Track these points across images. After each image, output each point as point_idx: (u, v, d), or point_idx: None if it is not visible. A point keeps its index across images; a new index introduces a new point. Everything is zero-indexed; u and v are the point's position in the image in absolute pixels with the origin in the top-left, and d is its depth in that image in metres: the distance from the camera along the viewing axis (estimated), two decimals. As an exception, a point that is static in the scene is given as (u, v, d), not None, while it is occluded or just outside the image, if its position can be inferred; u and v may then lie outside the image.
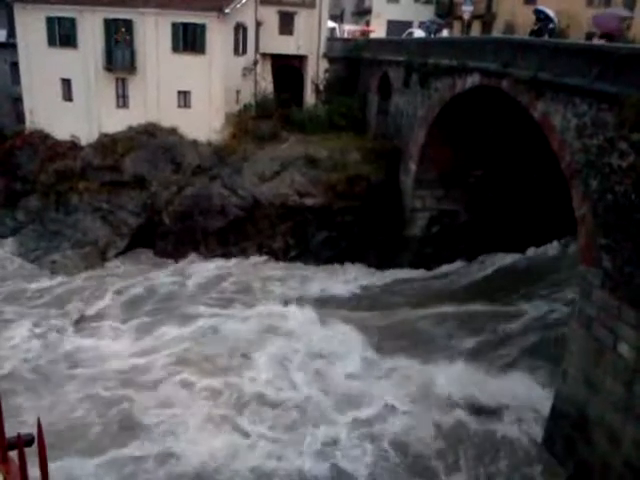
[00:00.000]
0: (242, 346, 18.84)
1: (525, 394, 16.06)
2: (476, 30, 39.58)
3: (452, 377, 16.86)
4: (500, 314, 20.60)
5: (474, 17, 38.25)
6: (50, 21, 28.90)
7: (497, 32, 36.29)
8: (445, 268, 25.08)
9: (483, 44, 20.86)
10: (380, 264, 25.59)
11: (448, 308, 21.29)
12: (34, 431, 2.15)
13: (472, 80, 20.89)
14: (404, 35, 36.26)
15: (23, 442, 2.06)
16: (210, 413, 15.41)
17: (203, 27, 29.29)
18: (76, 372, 17.47)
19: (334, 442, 14.56)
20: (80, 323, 20.64)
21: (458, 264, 25.27)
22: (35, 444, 1.97)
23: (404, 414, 15.63)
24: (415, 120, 25.58)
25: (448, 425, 15.22)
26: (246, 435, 14.74)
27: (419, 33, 33.46)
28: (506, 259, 25.08)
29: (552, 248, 25.59)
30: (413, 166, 25.56)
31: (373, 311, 21.54)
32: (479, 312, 20.92)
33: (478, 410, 15.75)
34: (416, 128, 25.41)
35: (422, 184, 25.44)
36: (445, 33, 33.21)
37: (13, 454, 1.82)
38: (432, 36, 29.70)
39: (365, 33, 37.12)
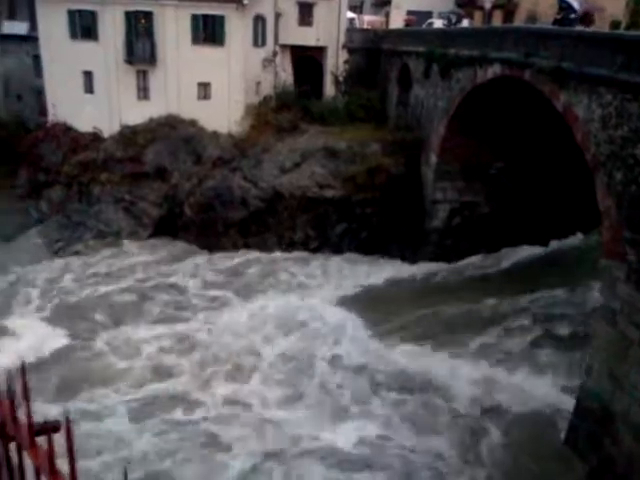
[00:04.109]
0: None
1: (546, 390, 15.91)
2: (497, 20, 39.06)
3: (472, 372, 16.76)
4: (522, 307, 20.38)
5: (495, 7, 37.73)
6: (71, 14, 29.12)
7: (519, 22, 35.77)
8: (466, 261, 24.85)
9: (504, 34, 20.61)
10: (400, 256, 25.50)
11: (468, 301, 21.12)
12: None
13: (493, 70, 20.65)
14: (424, 25, 35.91)
15: (51, 428, 2.09)
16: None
17: (222, 19, 29.35)
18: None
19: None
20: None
21: (479, 257, 25.02)
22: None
23: (419, 410, 15.56)
24: (436, 111, 25.37)
25: (468, 420, 15.14)
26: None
27: (439, 23, 33.13)
28: (528, 252, 24.75)
29: (575, 241, 25.21)
30: (434, 158, 25.38)
31: (395, 304, 21.43)
32: (500, 305, 20.72)
33: (497, 406, 15.63)
34: (437, 119, 25.22)
35: (443, 176, 25.25)
36: (466, 23, 32.77)
37: (40, 440, 1.83)
38: (452, 26, 29.36)
39: (410, 23, 36.14)
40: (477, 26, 35.68)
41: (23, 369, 1.73)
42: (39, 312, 20.66)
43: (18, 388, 1.84)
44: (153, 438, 14.32)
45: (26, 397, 1.71)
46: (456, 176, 25.32)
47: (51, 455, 1.65)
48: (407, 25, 35.92)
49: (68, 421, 1.58)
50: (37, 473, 1.71)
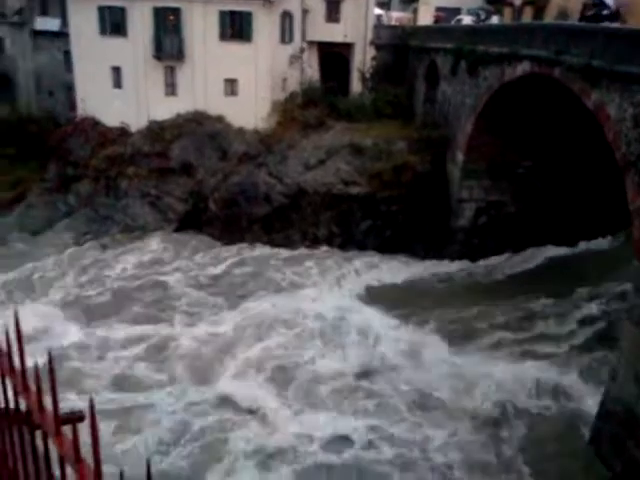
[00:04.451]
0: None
1: (571, 392, 15.69)
2: (527, 17, 38.47)
3: (497, 371, 16.61)
4: (548, 309, 20.13)
5: (525, 3, 37.18)
6: (101, 10, 29.47)
7: (549, 18, 35.21)
8: (492, 260, 24.62)
9: (534, 31, 20.31)
10: (425, 254, 25.35)
11: (495, 301, 20.93)
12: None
13: (522, 68, 20.39)
14: (452, 22, 35.58)
15: (76, 418, 2.11)
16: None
17: (250, 15, 29.43)
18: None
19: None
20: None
21: (505, 256, 24.76)
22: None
23: (448, 408, 15.47)
24: (463, 109, 25.13)
25: (491, 420, 15.01)
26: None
27: (468, 20, 32.78)
28: (555, 252, 24.41)
29: (604, 242, 24.74)
30: (460, 156, 25.16)
31: (420, 302, 21.31)
32: (526, 306, 20.50)
33: (523, 407, 15.46)
34: (464, 117, 24.98)
35: (470, 174, 25.01)
36: (495, 20, 32.39)
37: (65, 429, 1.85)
38: (481, 23, 29.04)
39: (439, 19, 35.73)
40: (506, 23, 35.24)
41: (50, 358, 1.74)
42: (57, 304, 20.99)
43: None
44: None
45: (53, 386, 1.73)
46: (483, 175, 25.08)
47: (76, 444, 1.66)
48: (436, 21, 35.61)
49: (93, 411, 1.59)
50: (62, 461, 1.73)
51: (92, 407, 1.62)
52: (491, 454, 14.02)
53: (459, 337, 18.91)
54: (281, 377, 16.67)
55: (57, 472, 1.85)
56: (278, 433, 14.38)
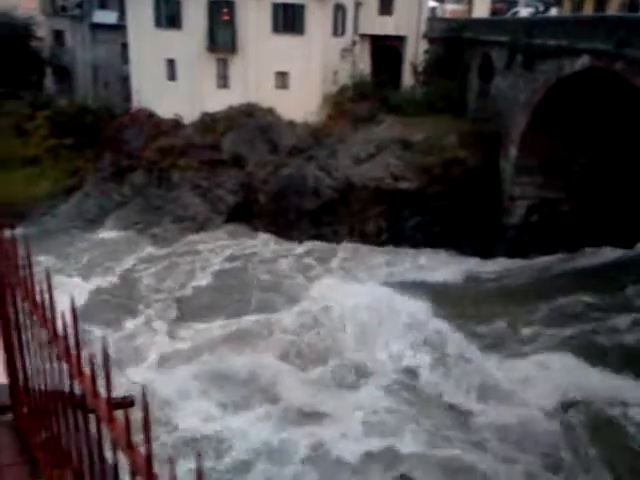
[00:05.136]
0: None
1: (630, 394, 15.25)
2: (589, 9, 37.30)
3: (553, 371, 16.27)
4: (602, 309, 19.55)
5: (586, -6, 36.05)
6: (157, 3, 30.03)
7: (612, 10, 34.03)
8: (544, 259, 24.03)
9: (595, 23, 19.68)
10: (474, 251, 24.92)
11: (546, 300, 20.46)
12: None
13: (582, 62, 19.78)
14: (509, 15, 34.77)
15: (128, 403, 2.14)
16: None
17: (302, 8, 29.44)
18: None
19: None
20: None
21: (558, 255, 24.14)
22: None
23: (503, 406, 15.19)
24: (517, 103, 24.54)
25: (554, 414, 14.73)
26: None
27: (525, 12, 31.96)
28: (612, 253, 23.67)
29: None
30: (514, 151, 24.60)
31: (471, 300, 20.99)
32: (579, 306, 19.98)
33: (586, 402, 15.12)
34: (518, 112, 24.40)
35: (523, 170, 24.44)
36: (554, 12, 31.48)
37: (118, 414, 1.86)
38: (539, 15, 28.27)
39: (499, 11, 34.85)
40: (566, 15, 34.22)
41: (104, 343, 1.76)
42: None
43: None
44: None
45: (107, 371, 1.74)
46: (536, 171, 24.48)
47: (128, 429, 1.67)
48: (496, 13, 34.80)
49: (145, 396, 1.59)
50: (114, 446, 1.74)
51: (144, 394, 1.62)
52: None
53: (507, 333, 18.61)
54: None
55: (109, 456, 1.87)
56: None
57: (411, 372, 16.76)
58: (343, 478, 13.01)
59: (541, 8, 28.53)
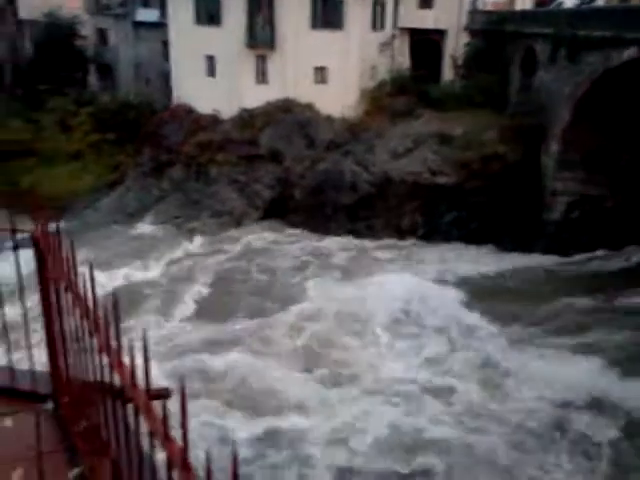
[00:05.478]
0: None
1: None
2: (636, -1, 36.20)
3: (585, 373, 15.93)
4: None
5: (634, -16, 34.99)
6: (198, 0, 30.28)
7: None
8: (584, 255, 23.49)
9: (644, 13, 19.07)
10: (512, 247, 24.48)
11: (586, 299, 20.05)
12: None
13: (629, 53, 19.21)
14: (553, 5, 33.95)
15: (166, 394, 2.16)
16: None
17: (341, 3, 29.35)
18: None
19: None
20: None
21: (599, 253, 23.57)
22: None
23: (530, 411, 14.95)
24: (561, 97, 23.99)
25: (580, 415, 14.44)
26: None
27: (570, 3, 31.18)
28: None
29: None
30: (555, 146, 24.09)
31: (510, 296, 20.71)
32: (619, 306, 19.49)
33: (614, 403, 14.77)
34: (561, 106, 23.85)
35: (565, 166, 23.91)
36: (600, 2, 30.63)
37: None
38: (585, 5, 27.55)
39: (544, 2, 33.94)
40: (612, 4, 33.23)
41: (144, 336, 1.78)
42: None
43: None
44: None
45: (146, 363, 1.76)
46: (578, 166, 23.94)
47: (166, 420, 1.69)
48: (541, 4, 34.01)
49: (183, 388, 1.60)
50: (151, 436, 1.76)
51: (183, 386, 1.63)
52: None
53: (544, 333, 18.29)
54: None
55: (146, 447, 1.90)
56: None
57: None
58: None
59: (587, -2, 27.83)
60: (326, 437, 13.76)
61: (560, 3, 33.94)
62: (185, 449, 1.59)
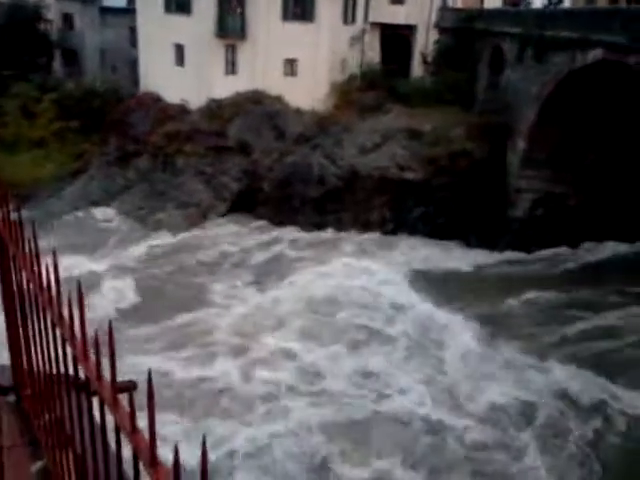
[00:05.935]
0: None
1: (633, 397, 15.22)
2: (603, 1, 36.95)
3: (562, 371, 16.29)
4: (602, 307, 19.52)
5: (600, -13, 35.72)
6: (168, -13, 29.81)
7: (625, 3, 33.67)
8: (546, 252, 24.00)
9: (609, 15, 19.49)
10: (477, 243, 24.87)
11: (547, 294, 20.47)
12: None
13: (594, 54, 19.59)
14: (522, 6, 34.44)
15: (132, 387, 2.12)
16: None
17: (313, -5, 29.21)
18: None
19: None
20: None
21: (561, 249, 24.12)
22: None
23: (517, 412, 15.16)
24: (527, 96, 24.38)
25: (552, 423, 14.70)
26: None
27: (538, 3, 31.66)
28: (615, 248, 23.65)
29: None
30: (521, 144, 24.49)
31: (474, 292, 21.01)
32: (580, 302, 19.98)
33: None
34: (527, 105, 24.24)
35: (530, 164, 24.34)
36: (567, 3, 31.17)
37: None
38: (552, 7, 28.02)
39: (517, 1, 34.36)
40: (579, 6, 33.89)
41: (110, 327, 1.73)
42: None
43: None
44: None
45: (112, 354, 1.72)
46: (543, 165, 24.40)
47: (133, 413, 1.65)
48: (515, 4, 34.37)
49: (150, 381, 1.57)
50: (117, 430, 1.72)
51: (150, 379, 1.59)
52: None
53: (508, 329, 18.62)
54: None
55: (112, 442, 1.86)
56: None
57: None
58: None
59: (555, -1, 28.28)
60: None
61: (529, 3, 34.45)
62: (153, 443, 1.55)
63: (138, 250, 23.79)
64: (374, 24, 33.67)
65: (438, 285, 21.11)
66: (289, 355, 16.83)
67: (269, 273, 22.32)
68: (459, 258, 23.80)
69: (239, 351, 16.96)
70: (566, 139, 23.44)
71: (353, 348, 17.32)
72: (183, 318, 18.66)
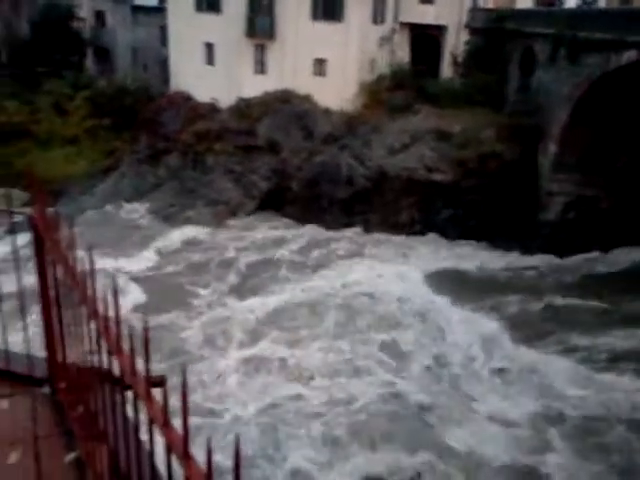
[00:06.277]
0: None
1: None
2: (638, 1, 36.22)
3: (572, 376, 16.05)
4: (633, 314, 19.14)
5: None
6: (199, -14, 30.09)
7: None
8: (578, 256, 23.60)
9: (646, 16, 19.10)
10: (507, 246, 24.56)
11: (583, 300, 20.23)
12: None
13: (628, 56, 19.24)
14: (556, 5, 33.93)
15: (166, 382, 2.15)
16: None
17: (343, -5, 29.18)
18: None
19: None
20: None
21: (593, 254, 23.70)
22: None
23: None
24: (559, 98, 24.01)
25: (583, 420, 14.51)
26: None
27: (572, 3, 31.16)
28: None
29: None
30: (553, 147, 24.13)
31: (503, 294, 20.81)
32: (610, 309, 19.64)
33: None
34: (559, 107, 23.88)
35: (561, 167, 23.97)
36: (602, 3, 30.61)
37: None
38: (587, 6, 27.54)
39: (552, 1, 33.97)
40: (615, 7, 33.26)
41: (145, 323, 1.76)
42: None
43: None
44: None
45: (146, 350, 1.75)
46: (575, 168, 24.01)
47: (166, 408, 1.68)
48: (551, 4, 33.83)
49: (184, 376, 1.59)
50: (150, 423, 1.75)
51: (184, 374, 1.62)
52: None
53: (536, 333, 18.38)
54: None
55: (144, 435, 1.89)
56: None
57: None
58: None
59: (589, -1, 27.78)
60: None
61: (562, 3, 33.92)
62: (186, 437, 1.58)
63: (169, 245, 24.11)
64: (404, 24, 33.46)
65: (473, 289, 21.00)
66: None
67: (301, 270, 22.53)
68: (488, 261, 23.53)
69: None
70: (598, 141, 23.05)
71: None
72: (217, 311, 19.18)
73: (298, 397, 14.93)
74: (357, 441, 13.44)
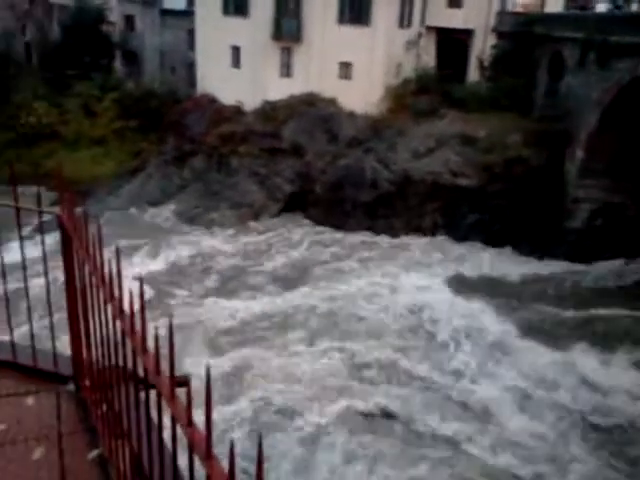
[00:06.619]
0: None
1: None
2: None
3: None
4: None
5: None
6: (226, -10, 30.32)
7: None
8: (604, 264, 23.21)
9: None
10: (532, 252, 24.25)
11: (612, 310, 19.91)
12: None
13: (660, 61, 18.90)
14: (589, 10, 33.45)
15: (189, 381, 2.16)
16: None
17: (370, -1, 29.15)
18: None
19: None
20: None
21: (620, 261, 23.28)
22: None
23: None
24: (588, 103, 23.67)
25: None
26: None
27: (603, 7, 30.71)
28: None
29: None
30: (580, 152, 23.80)
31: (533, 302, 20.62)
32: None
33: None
34: (588, 112, 23.54)
35: (589, 173, 23.63)
36: (635, 7, 30.09)
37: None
38: (618, 10, 27.14)
39: (586, 5, 33.49)
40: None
41: (170, 323, 1.77)
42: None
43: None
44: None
45: (171, 349, 1.76)
46: (603, 174, 23.65)
47: (189, 407, 1.68)
48: (582, 8, 33.31)
49: (208, 376, 1.59)
50: (173, 423, 1.75)
51: (208, 374, 1.62)
52: None
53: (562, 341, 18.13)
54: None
55: (167, 434, 1.89)
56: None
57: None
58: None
59: (621, 2, 27.18)
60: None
61: (593, 7, 33.44)
62: (209, 437, 1.58)
63: (190, 249, 24.28)
64: (430, 28, 33.36)
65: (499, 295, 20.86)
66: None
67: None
68: (513, 267, 23.30)
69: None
70: (626, 147, 22.68)
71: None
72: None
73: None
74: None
